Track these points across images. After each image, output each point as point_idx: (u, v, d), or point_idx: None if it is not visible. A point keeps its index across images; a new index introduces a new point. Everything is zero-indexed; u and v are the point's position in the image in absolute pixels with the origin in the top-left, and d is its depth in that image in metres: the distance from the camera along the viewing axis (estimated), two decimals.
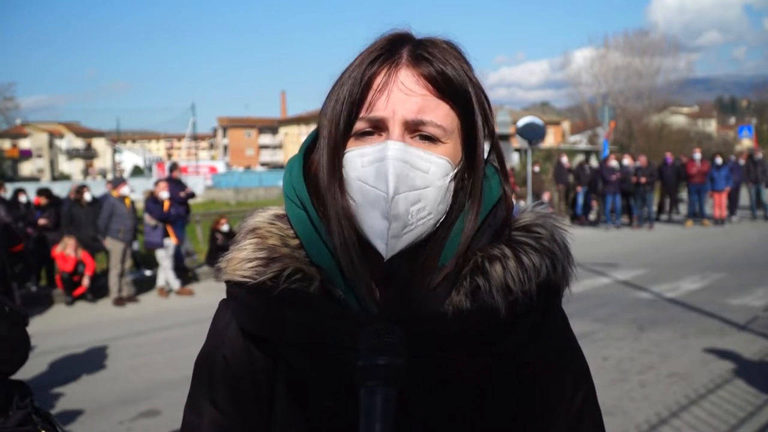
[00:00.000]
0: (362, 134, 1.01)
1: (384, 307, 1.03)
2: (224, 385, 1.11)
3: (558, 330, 1.12)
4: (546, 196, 18.60)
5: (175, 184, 12.77)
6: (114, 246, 11.03)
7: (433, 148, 1.00)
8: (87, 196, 12.21)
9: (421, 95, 0.99)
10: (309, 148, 1.11)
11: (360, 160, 1.00)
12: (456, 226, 1.05)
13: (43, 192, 12.63)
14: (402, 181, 0.97)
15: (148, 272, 13.06)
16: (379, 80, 0.99)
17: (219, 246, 12.89)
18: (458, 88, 1.01)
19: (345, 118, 1.00)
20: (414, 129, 0.99)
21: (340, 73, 1.04)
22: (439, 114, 1.00)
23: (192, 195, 13.46)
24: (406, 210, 0.98)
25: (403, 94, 0.98)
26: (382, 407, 0.89)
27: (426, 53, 1.01)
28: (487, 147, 1.07)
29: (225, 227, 12.97)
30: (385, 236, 0.98)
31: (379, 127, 1.00)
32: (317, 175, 1.05)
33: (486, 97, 1.06)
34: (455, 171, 1.03)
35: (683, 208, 21.24)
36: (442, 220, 1.04)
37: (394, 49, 1.01)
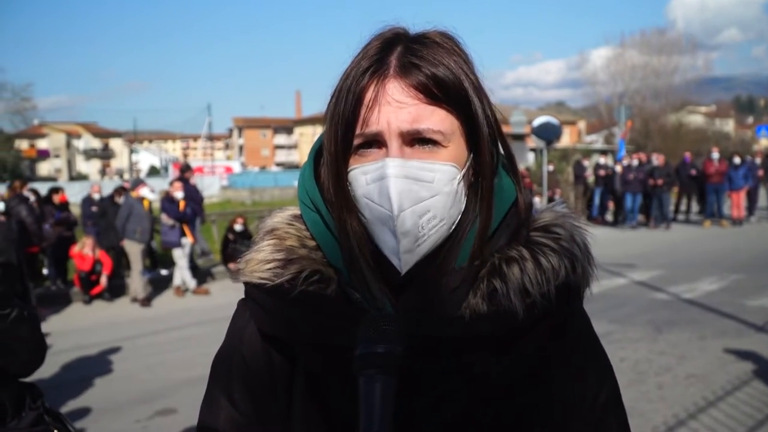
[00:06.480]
0: (363, 147, 0.99)
1: (400, 310, 1.02)
2: (242, 383, 1.12)
3: (579, 331, 1.11)
4: (557, 194, 18.42)
5: (189, 184, 12.85)
6: (132, 247, 11.09)
7: (436, 155, 0.98)
8: (95, 196, 12.47)
9: (413, 105, 0.96)
10: (319, 151, 1.10)
11: (364, 178, 0.99)
12: (473, 226, 1.03)
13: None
14: (405, 196, 0.96)
15: (164, 272, 13.13)
16: (369, 95, 0.97)
17: (230, 242, 12.97)
18: (452, 89, 0.97)
19: (342, 136, 0.99)
20: (412, 138, 0.97)
21: (336, 80, 1.02)
22: (436, 119, 0.97)
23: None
24: (415, 223, 0.96)
25: (394, 107, 0.96)
26: (381, 395, 0.88)
27: (415, 58, 0.97)
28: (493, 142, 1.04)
29: (238, 226, 13.05)
30: (398, 252, 0.97)
31: (377, 141, 0.98)
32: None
33: (483, 90, 1.02)
34: (463, 172, 1.01)
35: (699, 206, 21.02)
36: (458, 221, 1.03)
37: (384, 57, 0.98)
